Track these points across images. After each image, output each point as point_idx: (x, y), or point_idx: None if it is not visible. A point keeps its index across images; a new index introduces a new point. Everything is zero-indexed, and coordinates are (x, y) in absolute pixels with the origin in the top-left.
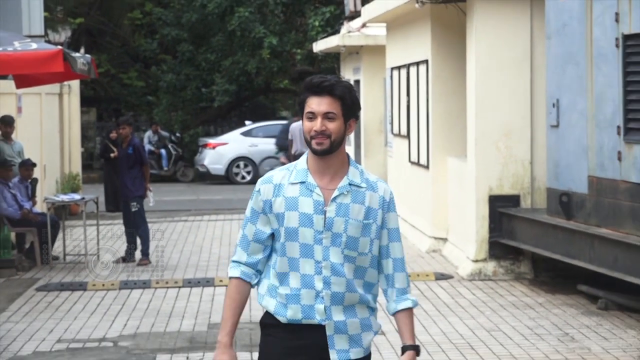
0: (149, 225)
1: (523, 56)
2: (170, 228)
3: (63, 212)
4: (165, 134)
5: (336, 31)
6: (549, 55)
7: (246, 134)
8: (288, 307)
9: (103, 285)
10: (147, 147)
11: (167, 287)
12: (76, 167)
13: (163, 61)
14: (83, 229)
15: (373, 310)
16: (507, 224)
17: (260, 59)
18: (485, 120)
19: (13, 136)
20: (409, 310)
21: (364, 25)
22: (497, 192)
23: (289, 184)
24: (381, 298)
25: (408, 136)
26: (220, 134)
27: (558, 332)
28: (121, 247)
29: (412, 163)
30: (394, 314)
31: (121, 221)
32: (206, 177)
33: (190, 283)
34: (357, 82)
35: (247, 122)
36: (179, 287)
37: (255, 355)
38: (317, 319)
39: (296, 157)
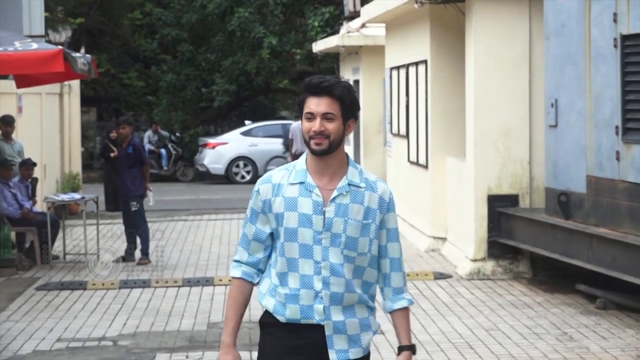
0: (149, 224)
1: (522, 56)
2: (170, 227)
3: (63, 212)
4: (165, 133)
5: (335, 31)
6: (548, 55)
7: (246, 133)
8: (287, 306)
9: (103, 284)
10: (147, 146)
11: (167, 287)
12: (76, 166)
13: (163, 61)
14: (83, 228)
15: (372, 309)
16: (505, 224)
17: (260, 59)
18: (484, 120)
19: (13, 136)
20: (405, 309)
21: (363, 26)
22: (496, 192)
23: (288, 184)
24: (378, 297)
25: (407, 136)
26: (220, 134)
27: (556, 332)
28: (121, 246)
29: (411, 163)
30: (390, 313)
31: (121, 221)
32: (206, 177)
33: (189, 282)
34: (357, 82)
35: (246, 122)
36: (179, 286)
37: (255, 354)
38: (316, 319)
39: (297, 156)
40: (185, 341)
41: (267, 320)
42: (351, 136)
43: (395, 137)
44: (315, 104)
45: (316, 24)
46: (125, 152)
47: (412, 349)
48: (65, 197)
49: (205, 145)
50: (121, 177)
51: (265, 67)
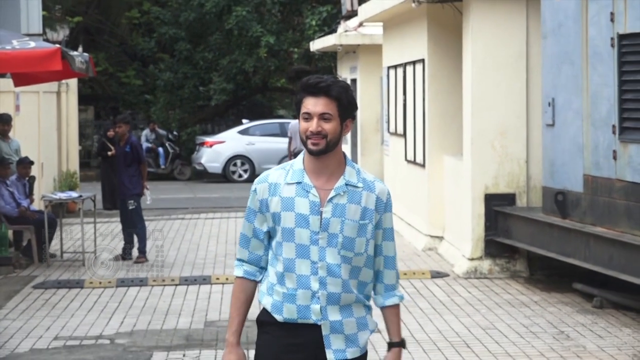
0: (146, 223)
1: (519, 55)
2: (167, 226)
3: (60, 210)
4: (162, 132)
5: (333, 30)
6: (545, 54)
7: (243, 132)
8: (284, 306)
9: (100, 283)
10: (145, 145)
11: (164, 285)
12: (74, 165)
13: (161, 60)
14: (80, 226)
15: (369, 308)
16: (502, 223)
17: (258, 57)
18: (481, 119)
19: (10, 134)
20: (396, 306)
21: (360, 25)
22: (493, 191)
23: (285, 184)
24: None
25: (404, 135)
26: (218, 133)
27: (553, 330)
28: (118, 245)
29: (409, 162)
30: (381, 308)
31: (118, 219)
32: (203, 176)
33: (187, 281)
34: (354, 81)
35: (244, 121)
36: (176, 284)
37: (252, 352)
38: (313, 319)
39: (295, 154)
40: (182, 340)
41: (265, 318)
42: (348, 135)
43: (393, 136)
44: (312, 104)
45: (314, 22)
46: (122, 150)
47: (401, 344)
48: (62, 195)
49: (202, 144)
50: (119, 175)
51: (262, 65)
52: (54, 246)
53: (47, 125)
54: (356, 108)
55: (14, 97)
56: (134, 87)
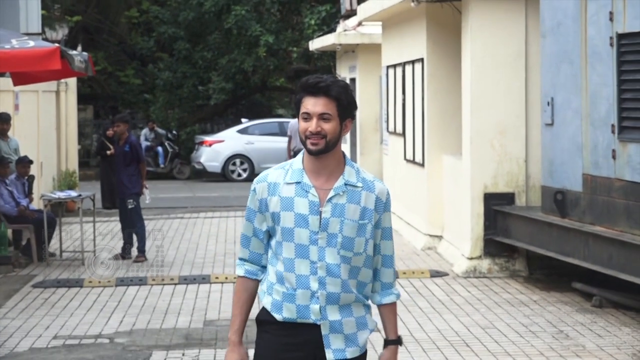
0: (145, 222)
1: (518, 55)
2: (166, 225)
3: (60, 209)
4: (161, 131)
5: (332, 30)
6: (544, 53)
7: (242, 131)
8: (283, 306)
9: (99, 282)
10: (144, 143)
11: (163, 284)
12: (73, 164)
13: (160, 59)
14: (80, 226)
15: (369, 308)
16: (501, 222)
17: (257, 57)
18: (480, 118)
19: (9, 133)
20: (393, 304)
21: (359, 24)
22: (492, 190)
23: (285, 183)
24: None
25: (403, 134)
26: (217, 132)
27: (552, 330)
28: (117, 244)
29: (408, 161)
30: (378, 306)
31: (118, 218)
32: (202, 175)
33: (186, 280)
34: (353, 80)
35: (243, 120)
36: (175, 284)
37: (251, 351)
38: (312, 318)
39: (295, 153)
40: (181, 339)
41: (264, 318)
42: (348, 134)
43: (392, 135)
44: (311, 104)
45: (313, 22)
46: (122, 149)
47: (398, 342)
48: (61, 194)
49: (201, 143)
50: (118, 174)
51: (261, 65)
52: (53, 245)
53: (46, 125)
54: (356, 108)
55: (13, 96)
56: (133, 87)
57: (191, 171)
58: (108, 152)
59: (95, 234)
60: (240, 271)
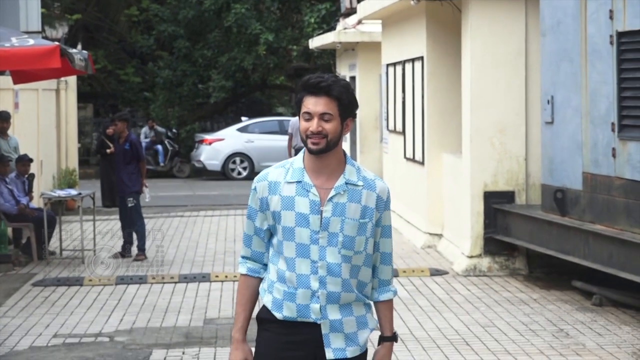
0: (145, 220)
1: (518, 53)
2: (166, 223)
3: (60, 208)
4: (161, 129)
5: (332, 28)
6: (544, 52)
7: (242, 130)
8: (284, 304)
9: (99, 280)
10: (144, 142)
11: (163, 283)
12: (73, 162)
13: (160, 57)
14: (80, 224)
15: (369, 307)
16: (501, 220)
17: (257, 55)
18: (480, 116)
19: (9, 132)
20: (390, 301)
21: (359, 22)
22: (492, 189)
23: (286, 182)
24: None
25: (403, 132)
26: (217, 130)
27: (552, 328)
28: (117, 242)
29: (408, 159)
30: (374, 303)
31: (117, 217)
32: (202, 173)
33: (186, 278)
34: (353, 78)
35: (243, 118)
36: (175, 282)
37: (252, 350)
38: (313, 317)
39: (297, 150)
40: (181, 337)
41: (265, 316)
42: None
43: (392, 134)
44: (312, 104)
45: (312, 20)
46: (122, 148)
47: (393, 339)
48: (61, 193)
49: (201, 142)
50: (118, 173)
51: (261, 63)
52: (54, 244)
53: (46, 123)
54: (357, 107)
55: (13, 95)
56: (133, 85)
57: (191, 169)
58: (108, 151)
59: (95, 233)
60: (242, 269)
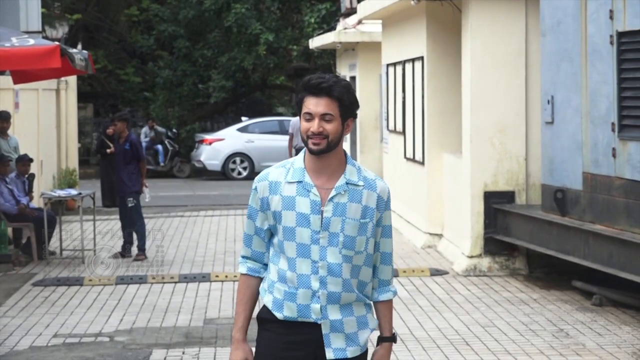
0: (145, 220)
1: (518, 53)
2: (166, 223)
3: (60, 208)
4: (161, 129)
5: (332, 28)
6: (544, 52)
7: (242, 130)
8: (284, 304)
9: (99, 280)
10: (144, 142)
11: (164, 283)
12: (73, 162)
13: (160, 57)
14: (80, 224)
15: (369, 307)
16: (502, 220)
17: (257, 55)
18: (480, 116)
19: (9, 131)
20: (390, 301)
21: (359, 22)
22: (492, 189)
23: (286, 182)
24: None
25: (403, 132)
26: (217, 130)
27: (552, 328)
28: (117, 242)
29: (408, 159)
30: (374, 303)
31: (117, 216)
32: (202, 173)
33: (186, 278)
34: (353, 78)
35: (243, 118)
36: (175, 282)
37: (252, 349)
38: (313, 317)
39: (297, 150)
40: (181, 337)
41: (265, 316)
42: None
43: (392, 134)
44: (313, 105)
45: (313, 20)
46: (122, 148)
47: (392, 339)
48: (62, 193)
49: (201, 142)
50: (118, 173)
51: (261, 63)
52: (54, 244)
53: (47, 123)
54: (357, 107)
55: (13, 95)
56: (133, 85)
57: (191, 169)
58: (108, 151)
59: (96, 233)
60: (242, 269)
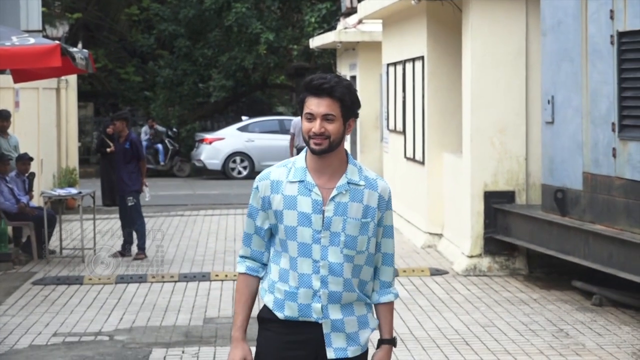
0: (145, 219)
1: (518, 53)
2: (166, 223)
3: (60, 207)
4: (162, 129)
5: (332, 27)
6: (544, 52)
7: (243, 129)
8: (285, 304)
9: (99, 279)
10: (144, 141)
11: (163, 282)
12: (73, 161)
13: (160, 56)
14: (80, 223)
15: (370, 306)
16: (502, 220)
17: (257, 54)
18: (480, 116)
19: (9, 130)
20: (391, 303)
21: (360, 22)
22: (492, 188)
23: (288, 182)
24: None
25: (404, 132)
26: (217, 129)
27: (552, 328)
28: (117, 241)
29: (408, 159)
30: (375, 305)
31: (117, 215)
32: (203, 172)
33: (186, 277)
34: (353, 78)
35: (243, 118)
36: (175, 281)
37: (253, 349)
38: (314, 317)
39: (299, 150)
40: (181, 336)
41: (266, 316)
42: None
43: (392, 133)
44: (315, 105)
45: (313, 20)
46: (122, 147)
47: (392, 342)
48: (62, 191)
49: (202, 141)
50: (118, 172)
51: (262, 62)
52: (54, 242)
53: (47, 122)
54: (359, 107)
55: (14, 94)
56: (134, 84)
57: (191, 169)
58: (108, 150)
59: (95, 232)
60: (241, 268)
